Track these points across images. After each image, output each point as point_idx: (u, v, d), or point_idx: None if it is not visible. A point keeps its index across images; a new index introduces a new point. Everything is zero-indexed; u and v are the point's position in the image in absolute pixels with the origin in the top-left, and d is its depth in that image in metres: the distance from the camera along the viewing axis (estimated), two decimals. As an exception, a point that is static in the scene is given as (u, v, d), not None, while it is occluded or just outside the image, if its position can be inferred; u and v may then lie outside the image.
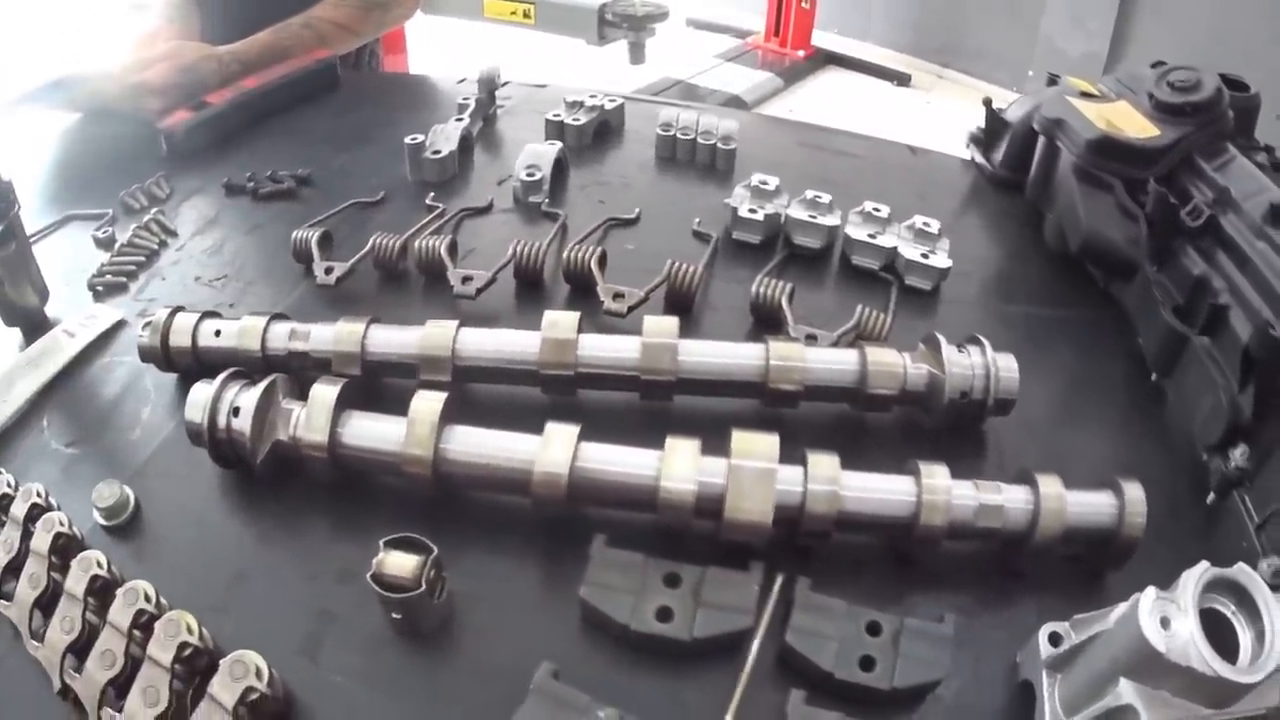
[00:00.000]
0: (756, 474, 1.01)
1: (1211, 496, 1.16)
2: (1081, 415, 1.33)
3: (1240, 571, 0.76)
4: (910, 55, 7.31)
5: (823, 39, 7.50)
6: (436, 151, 1.76)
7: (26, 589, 0.96)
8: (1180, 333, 1.26)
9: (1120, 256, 1.42)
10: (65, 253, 1.58)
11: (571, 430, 1.05)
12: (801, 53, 7.31)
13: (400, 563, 0.92)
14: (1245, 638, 0.75)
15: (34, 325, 1.38)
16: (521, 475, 1.04)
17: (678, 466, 1.01)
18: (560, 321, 1.21)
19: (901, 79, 7.07)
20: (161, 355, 1.26)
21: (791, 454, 1.05)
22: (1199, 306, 1.27)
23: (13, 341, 1.37)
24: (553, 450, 1.03)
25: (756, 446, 1.03)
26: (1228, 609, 0.77)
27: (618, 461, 1.05)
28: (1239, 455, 1.12)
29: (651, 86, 6.12)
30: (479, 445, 1.07)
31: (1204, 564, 0.76)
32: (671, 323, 1.21)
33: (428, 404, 1.08)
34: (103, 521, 1.08)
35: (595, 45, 3.24)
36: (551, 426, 1.06)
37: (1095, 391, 1.37)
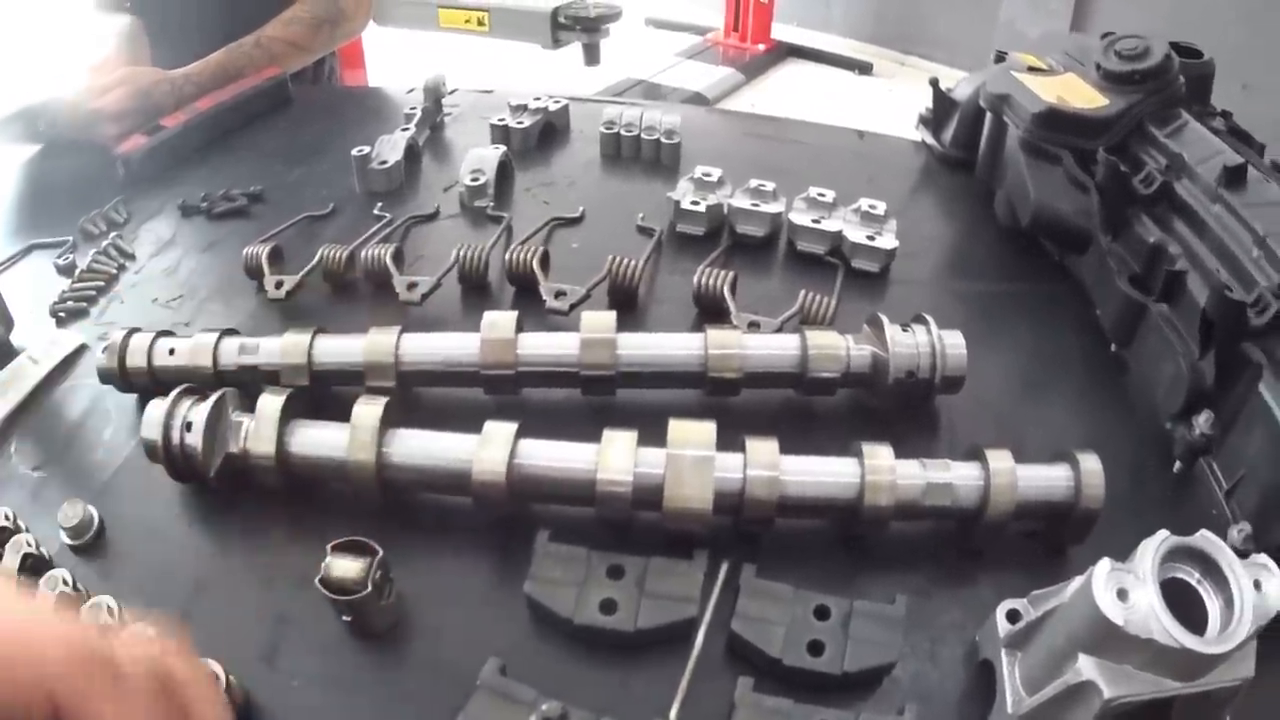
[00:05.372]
0: (694, 462, 1.00)
1: (1178, 465, 1.15)
2: (1041, 390, 1.33)
3: (1203, 538, 0.74)
4: (871, 44, 7.30)
5: (783, 32, 7.48)
6: (383, 162, 1.76)
7: (-1, 609, 0.95)
8: (1138, 301, 1.25)
9: (1071, 228, 1.41)
10: (29, 281, 1.58)
11: (509, 428, 1.04)
12: (762, 46, 7.29)
13: (346, 565, 0.93)
14: (1213, 606, 0.74)
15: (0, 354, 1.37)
16: (462, 475, 1.03)
17: (614, 458, 1.01)
18: (499, 322, 1.20)
19: (863, 68, 7.04)
20: (119, 376, 1.26)
21: (736, 441, 1.04)
22: (1156, 274, 1.26)
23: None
24: (490, 449, 1.03)
25: (694, 434, 1.02)
26: (1192, 578, 0.75)
27: (555, 457, 1.04)
28: (1203, 422, 1.11)
29: (613, 87, 6.10)
30: (420, 448, 1.07)
31: (1163, 532, 0.74)
32: (609, 317, 1.20)
33: (369, 410, 1.07)
34: (69, 541, 1.08)
35: (550, 49, 3.22)
36: (490, 426, 1.05)
37: (1054, 365, 1.36)
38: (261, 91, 2.12)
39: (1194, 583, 0.75)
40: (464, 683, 0.89)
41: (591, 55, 3.23)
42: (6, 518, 1.04)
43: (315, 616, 0.98)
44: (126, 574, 1.07)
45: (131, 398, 1.30)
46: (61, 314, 1.49)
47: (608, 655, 0.96)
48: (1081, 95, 1.46)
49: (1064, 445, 1.06)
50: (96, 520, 1.11)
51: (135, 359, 1.25)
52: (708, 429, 1.03)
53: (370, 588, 0.92)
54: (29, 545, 0.99)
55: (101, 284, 1.55)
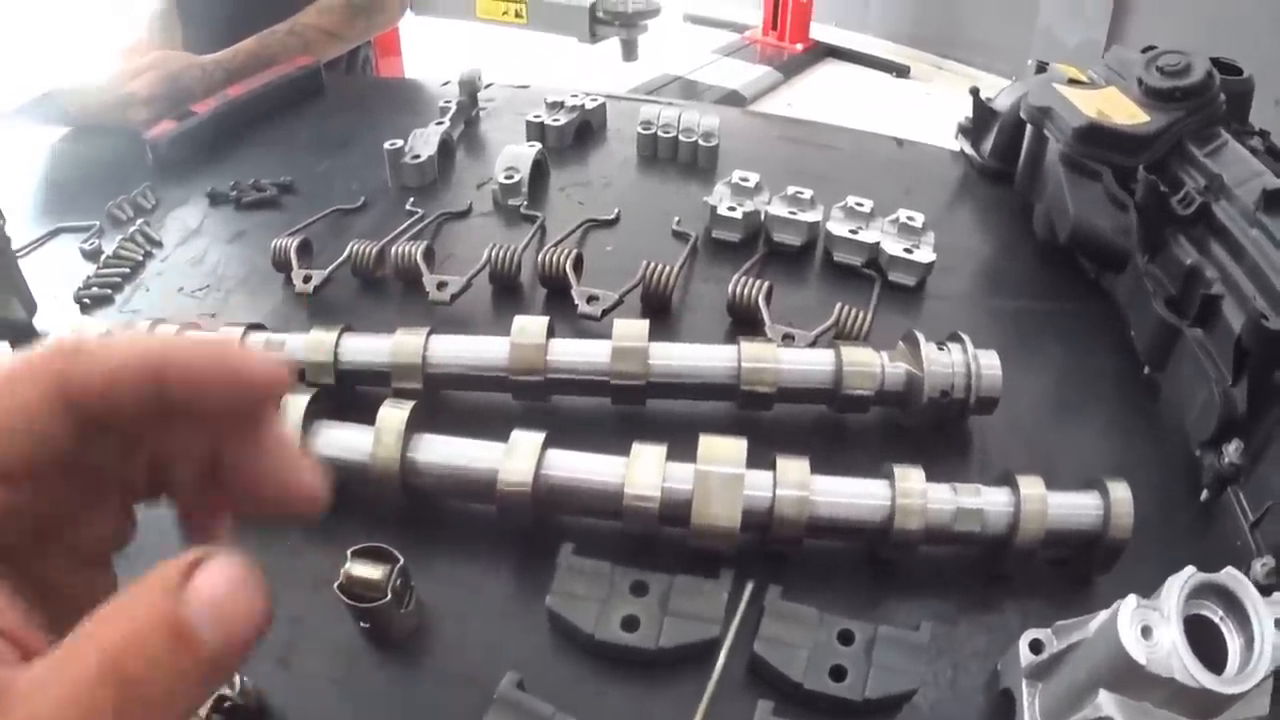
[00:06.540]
0: (723, 479, 0.98)
1: (1205, 494, 1.13)
2: (1072, 411, 1.31)
3: (1228, 576, 0.73)
4: (909, 47, 7.27)
5: (821, 32, 7.45)
6: (416, 156, 1.75)
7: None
8: (1172, 325, 1.23)
9: (1109, 246, 1.39)
10: (54, 265, 1.57)
11: (536, 438, 1.03)
12: (800, 46, 7.26)
13: (366, 573, 0.92)
14: (1234, 645, 0.72)
15: (22, 339, 1.36)
16: (487, 484, 1.02)
17: (642, 473, 1.00)
18: (529, 327, 1.19)
19: (900, 71, 7.02)
20: (140, 368, 1.24)
21: (766, 457, 1.03)
22: (1191, 297, 1.23)
23: (1, 356, 1.35)
24: (517, 459, 1.02)
25: (724, 451, 1.01)
26: (1216, 615, 0.73)
27: (582, 469, 1.03)
28: (1233, 451, 1.09)
29: (650, 84, 6.11)
30: (446, 454, 1.06)
31: (1189, 569, 0.72)
32: (642, 326, 1.19)
33: (394, 413, 1.06)
34: None
35: (587, 43, 3.21)
36: (517, 434, 1.04)
37: (1086, 386, 1.34)
38: (294, 80, 2.11)
39: (1217, 620, 0.73)
40: (481, 695, 0.88)
41: (629, 51, 3.22)
42: (19, 509, 1.03)
43: (332, 620, 0.97)
44: (138, 569, 1.05)
45: (150, 391, 1.29)
46: (86, 300, 1.48)
47: (628, 673, 0.95)
48: (1122, 110, 1.44)
49: (1093, 469, 1.04)
50: (110, 513, 1.10)
51: (159, 351, 1.24)
52: (738, 446, 1.02)
53: (390, 596, 0.91)
54: (40, 539, 0.98)
55: (127, 271, 1.55)
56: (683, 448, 1.03)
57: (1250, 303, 1.14)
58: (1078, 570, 1.04)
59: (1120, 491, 1.00)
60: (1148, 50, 1.50)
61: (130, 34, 2.18)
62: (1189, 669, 0.68)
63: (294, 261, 1.46)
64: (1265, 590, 0.74)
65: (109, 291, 1.50)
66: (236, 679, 0.87)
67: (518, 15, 3.39)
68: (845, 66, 7.27)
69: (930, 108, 6.08)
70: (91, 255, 1.58)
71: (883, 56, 7.21)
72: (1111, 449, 1.25)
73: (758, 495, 0.99)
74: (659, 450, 1.02)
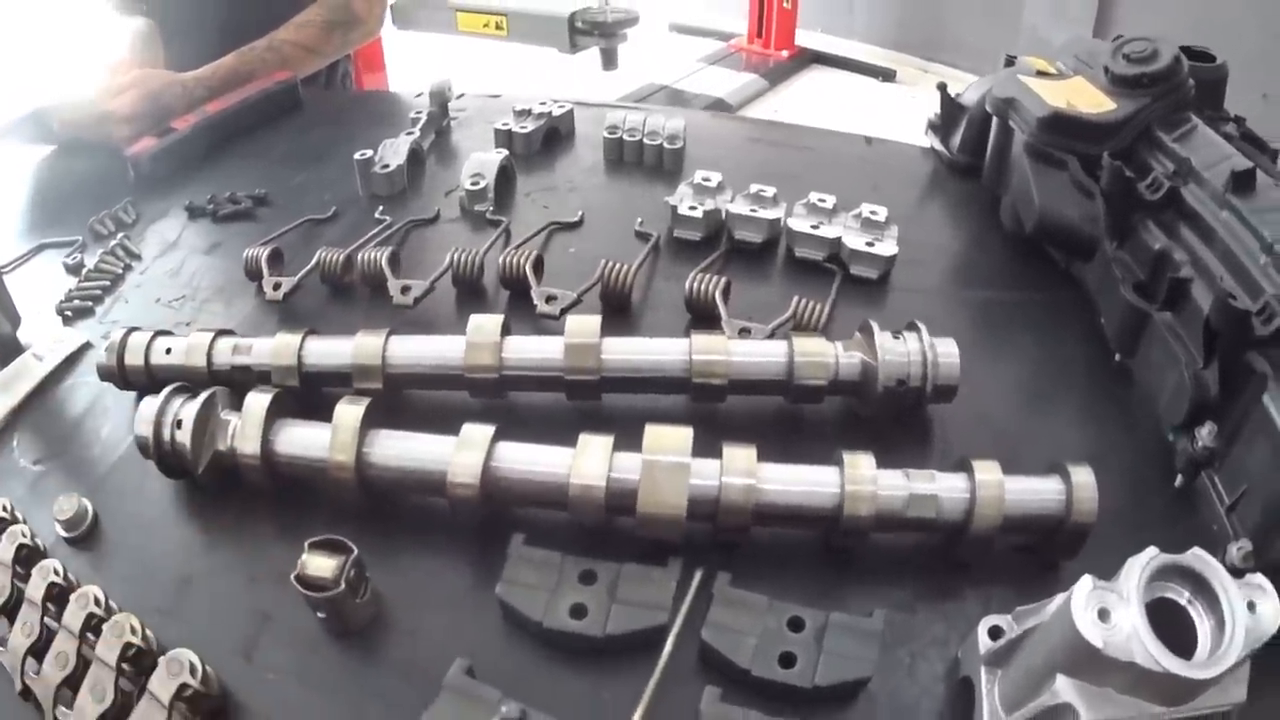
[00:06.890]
0: (668, 468, 0.99)
1: (1179, 479, 1.12)
2: (1043, 400, 1.31)
3: (1194, 556, 0.71)
4: (894, 51, 7.27)
5: (806, 38, 7.43)
6: (385, 166, 1.77)
7: (-10, 597, 0.98)
8: (1141, 310, 1.22)
9: (1076, 234, 1.39)
10: (39, 279, 1.61)
11: (486, 431, 1.04)
12: (785, 53, 7.25)
13: (321, 563, 0.94)
14: (1204, 628, 0.70)
15: (6, 350, 1.40)
16: (439, 478, 1.03)
17: (588, 463, 1.00)
18: (484, 325, 1.20)
19: (886, 75, 7.00)
20: (118, 374, 1.28)
21: (717, 448, 1.03)
22: (1160, 281, 1.23)
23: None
24: (466, 452, 1.03)
25: (669, 440, 1.01)
26: (1182, 598, 0.72)
27: (530, 461, 1.04)
28: (1206, 434, 1.07)
29: (636, 93, 6.12)
30: (399, 450, 1.07)
31: (1151, 550, 0.71)
32: (594, 322, 1.20)
33: (350, 410, 1.08)
34: (63, 533, 1.11)
35: (568, 53, 3.23)
36: (467, 428, 1.05)
37: (1057, 375, 1.34)
38: (271, 95, 2.13)
39: (1184, 603, 0.72)
40: (434, 682, 0.89)
41: (609, 60, 3.24)
42: (4, 509, 1.07)
43: (295, 613, 0.99)
44: (116, 566, 1.10)
45: (130, 395, 1.32)
46: (68, 312, 1.52)
47: (577, 660, 0.96)
48: (1089, 99, 1.44)
49: (1062, 457, 1.03)
50: (91, 513, 1.13)
51: (133, 357, 1.28)
52: (683, 435, 1.02)
53: (344, 586, 0.93)
54: (24, 536, 1.02)
55: (107, 283, 1.57)
56: (635, 440, 1.03)
57: (1218, 284, 1.13)
58: (1043, 556, 1.04)
59: (1082, 475, 0.99)
60: (1116, 39, 1.49)
61: (113, 52, 2.19)
62: (1151, 652, 0.66)
63: (265, 270, 1.49)
64: (1241, 574, 0.72)
65: (90, 304, 1.53)
66: (199, 668, 0.88)
67: (498, 28, 3.40)
68: (831, 72, 7.25)
69: (915, 111, 6.06)
70: (74, 269, 1.62)
71: (868, 61, 7.20)
72: (1083, 437, 1.24)
73: (704, 484, 0.99)
74: (605, 441, 1.03)
